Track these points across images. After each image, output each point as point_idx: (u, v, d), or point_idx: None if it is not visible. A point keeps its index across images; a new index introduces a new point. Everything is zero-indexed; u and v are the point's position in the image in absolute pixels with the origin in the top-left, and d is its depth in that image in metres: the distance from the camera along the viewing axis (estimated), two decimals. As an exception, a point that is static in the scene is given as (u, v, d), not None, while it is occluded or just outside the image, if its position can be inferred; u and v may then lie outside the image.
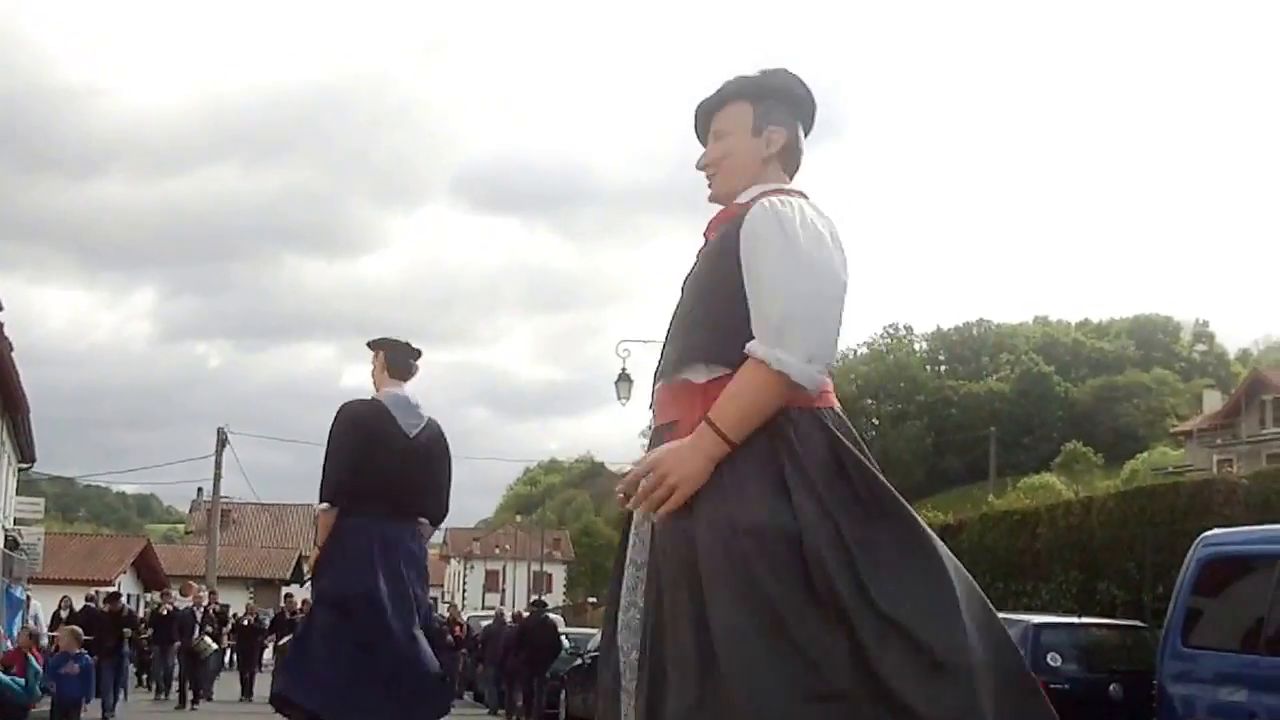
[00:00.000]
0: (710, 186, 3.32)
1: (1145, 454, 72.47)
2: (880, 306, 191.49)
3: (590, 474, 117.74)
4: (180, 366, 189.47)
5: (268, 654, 26.99)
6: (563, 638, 24.40)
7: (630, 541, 3.15)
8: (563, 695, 22.76)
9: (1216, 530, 10.65)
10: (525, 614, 25.42)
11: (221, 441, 39.65)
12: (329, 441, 6.65)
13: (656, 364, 3.25)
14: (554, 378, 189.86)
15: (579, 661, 22.47)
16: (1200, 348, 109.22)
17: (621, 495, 3.08)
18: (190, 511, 75.12)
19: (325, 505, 6.55)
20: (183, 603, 24.94)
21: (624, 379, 30.88)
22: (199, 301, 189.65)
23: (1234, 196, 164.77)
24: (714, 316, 3.04)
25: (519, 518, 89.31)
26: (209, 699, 24.29)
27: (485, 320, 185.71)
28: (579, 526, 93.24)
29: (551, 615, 25.53)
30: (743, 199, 3.17)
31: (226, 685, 25.97)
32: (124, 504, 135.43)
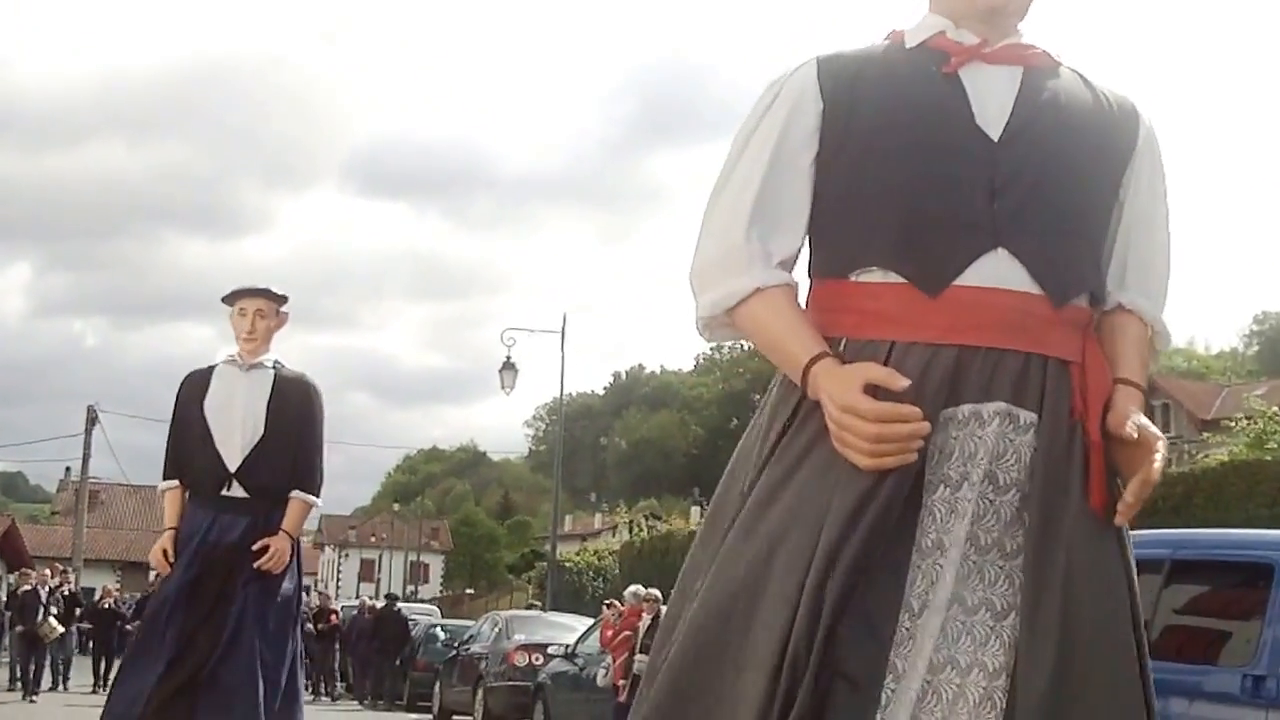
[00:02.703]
0: None
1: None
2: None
3: (471, 463, 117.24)
4: (54, 343, 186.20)
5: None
6: (439, 629, 25.11)
7: (937, 515, 2.11)
8: (437, 687, 22.79)
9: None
10: (378, 605, 28.57)
11: (91, 420, 38.94)
12: (322, 427, 6.25)
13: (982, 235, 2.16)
14: (439, 365, 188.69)
15: (453, 653, 22.51)
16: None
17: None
18: (58, 491, 73.83)
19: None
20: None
21: (509, 368, 30.84)
22: (75, 278, 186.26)
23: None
24: (1091, 231, 2.26)
25: (397, 506, 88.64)
26: (63, 688, 23.27)
27: (371, 306, 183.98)
28: (458, 516, 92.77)
29: (424, 606, 26.09)
30: (1026, 40, 2.31)
31: (81, 672, 25.04)
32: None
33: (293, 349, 6.21)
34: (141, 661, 5.80)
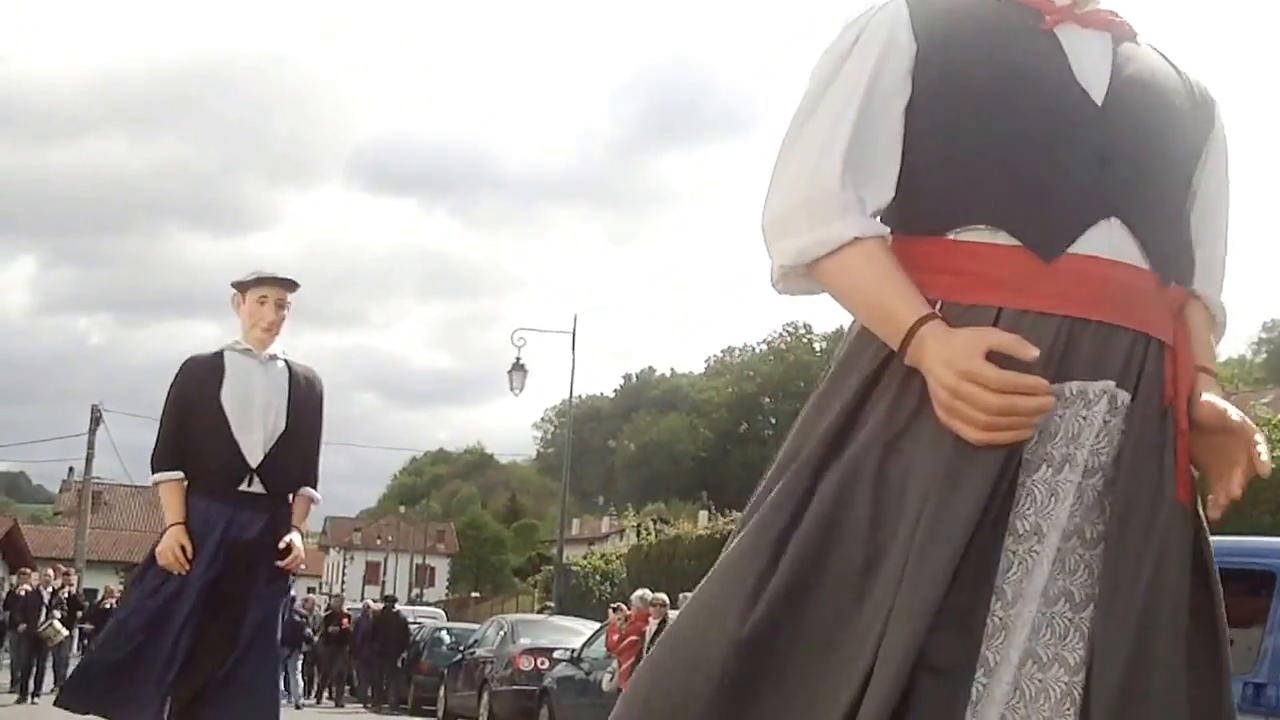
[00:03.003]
0: None
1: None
2: (780, 304, 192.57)
3: (478, 465, 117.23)
4: (58, 340, 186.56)
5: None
6: (444, 632, 26.04)
7: (1023, 502, 1.96)
8: (442, 690, 22.80)
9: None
10: (379, 607, 28.43)
11: (95, 419, 38.92)
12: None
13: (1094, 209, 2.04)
14: (447, 366, 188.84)
15: (459, 657, 22.51)
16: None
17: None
18: (60, 492, 73.85)
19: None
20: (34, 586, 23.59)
21: (518, 369, 30.79)
22: (79, 274, 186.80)
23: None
24: (1182, 212, 2.17)
25: (403, 508, 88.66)
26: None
27: (379, 304, 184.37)
28: (465, 519, 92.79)
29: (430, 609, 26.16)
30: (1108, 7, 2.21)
31: None
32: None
33: (299, 347, 6.00)
34: (144, 667, 5.51)
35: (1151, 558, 1.94)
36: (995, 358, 1.89)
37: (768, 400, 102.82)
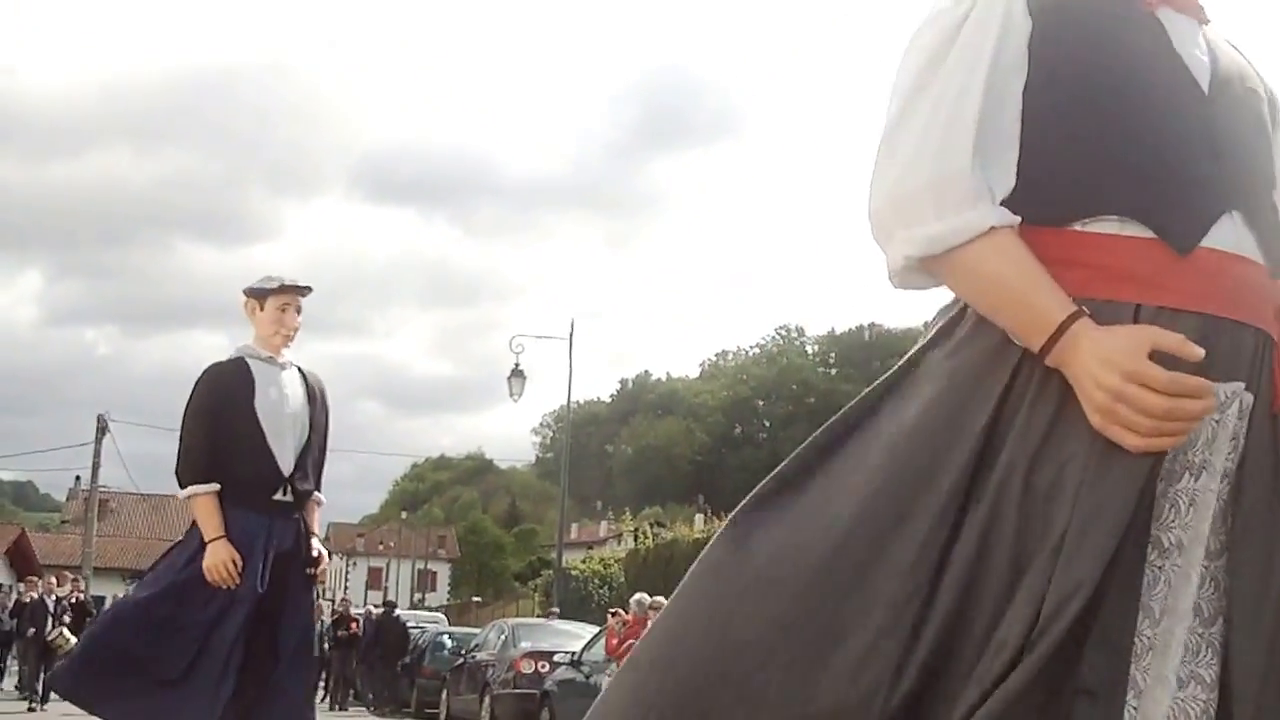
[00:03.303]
0: None
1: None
2: (773, 307, 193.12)
3: (479, 471, 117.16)
4: (65, 351, 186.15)
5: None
6: (446, 637, 26.40)
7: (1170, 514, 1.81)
8: (444, 694, 22.82)
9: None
10: (380, 612, 29.20)
11: (101, 429, 38.94)
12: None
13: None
14: (447, 373, 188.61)
15: (461, 661, 22.53)
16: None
17: None
18: (67, 500, 73.81)
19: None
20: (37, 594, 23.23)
21: (517, 375, 30.77)
22: (85, 286, 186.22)
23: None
24: (1276, 205, 2.03)
25: (405, 514, 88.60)
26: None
27: (380, 312, 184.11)
28: (466, 524, 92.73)
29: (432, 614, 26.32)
30: None
31: None
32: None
33: (301, 357, 5.93)
34: (199, 682, 5.29)
35: (1278, 570, 1.81)
36: (1157, 358, 1.73)
37: (761, 403, 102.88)
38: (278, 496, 5.56)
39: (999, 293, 1.83)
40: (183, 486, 5.54)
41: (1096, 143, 1.86)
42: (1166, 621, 1.76)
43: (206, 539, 5.40)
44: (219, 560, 5.33)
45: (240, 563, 5.36)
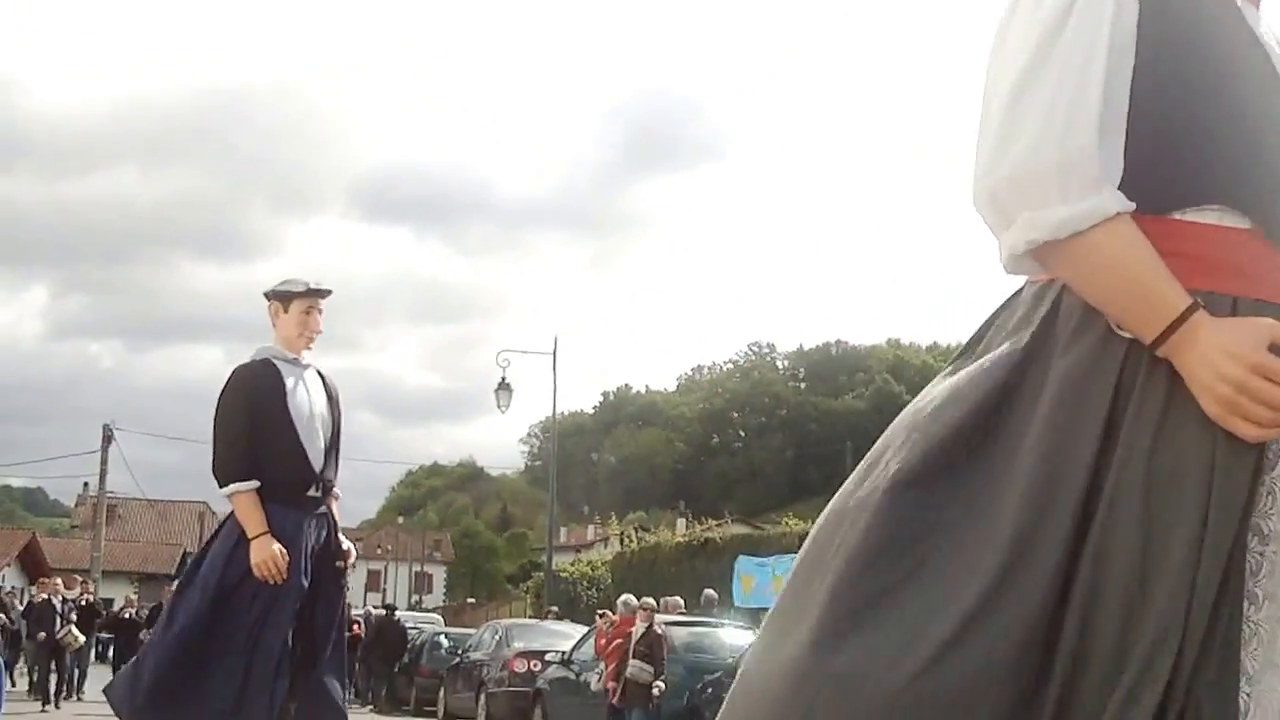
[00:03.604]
0: None
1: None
2: (746, 325, 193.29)
3: (470, 478, 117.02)
4: (71, 364, 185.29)
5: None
6: (443, 637, 26.53)
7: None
8: (441, 692, 22.80)
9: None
10: (380, 614, 29.09)
11: (107, 437, 38.85)
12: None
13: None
14: (438, 386, 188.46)
15: (457, 660, 22.52)
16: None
17: None
18: (76, 506, 73.50)
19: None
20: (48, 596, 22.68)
21: (504, 388, 30.78)
22: (90, 301, 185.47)
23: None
24: None
25: (401, 519, 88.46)
26: (78, 697, 22.01)
27: (373, 328, 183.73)
28: (459, 529, 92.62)
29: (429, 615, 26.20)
30: None
31: (99, 681, 24.44)
32: (9, 497, 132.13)
33: None
34: (262, 677, 5.24)
35: None
36: (1275, 351, 1.66)
37: (736, 414, 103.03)
38: (310, 493, 5.51)
39: (1117, 282, 1.71)
40: (222, 485, 5.44)
41: (1200, 131, 1.75)
42: (1269, 608, 1.69)
43: (250, 535, 5.29)
44: (267, 555, 5.24)
45: (287, 557, 5.29)
